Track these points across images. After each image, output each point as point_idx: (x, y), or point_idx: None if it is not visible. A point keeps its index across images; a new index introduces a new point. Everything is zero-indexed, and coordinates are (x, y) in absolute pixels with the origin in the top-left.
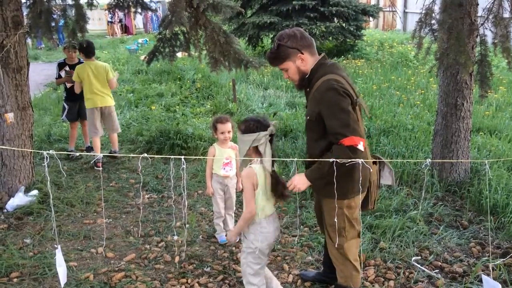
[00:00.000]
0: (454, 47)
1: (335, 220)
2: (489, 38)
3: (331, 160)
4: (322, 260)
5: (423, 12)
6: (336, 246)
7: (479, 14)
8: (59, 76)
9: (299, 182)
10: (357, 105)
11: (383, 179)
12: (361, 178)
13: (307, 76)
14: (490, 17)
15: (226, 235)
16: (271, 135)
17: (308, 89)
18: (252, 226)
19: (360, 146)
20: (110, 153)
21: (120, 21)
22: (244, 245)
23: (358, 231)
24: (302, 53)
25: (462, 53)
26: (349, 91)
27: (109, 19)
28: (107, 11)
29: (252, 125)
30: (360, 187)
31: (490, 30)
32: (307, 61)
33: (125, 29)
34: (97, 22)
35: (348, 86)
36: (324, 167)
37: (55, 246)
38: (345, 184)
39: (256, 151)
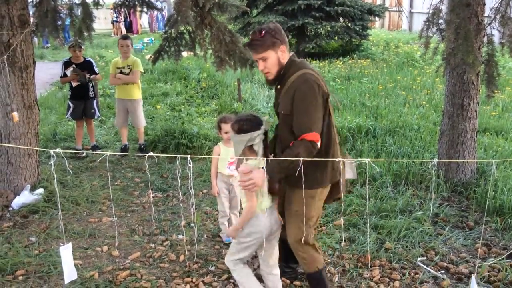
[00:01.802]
0: (461, 47)
1: (303, 209)
2: (496, 38)
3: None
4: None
5: (431, 11)
6: (303, 235)
7: (486, 14)
8: (64, 75)
9: (256, 177)
10: (328, 99)
11: (346, 174)
12: (333, 170)
13: (282, 72)
14: (498, 16)
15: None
16: (264, 133)
17: (279, 86)
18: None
19: (317, 144)
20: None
21: (124, 20)
22: (238, 235)
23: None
24: (284, 46)
25: (469, 53)
26: (322, 85)
27: (115, 19)
28: (112, 11)
29: (245, 126)
30: (330, 178)
31: (498, 29)
32: (285, 54)
33: (127, 29)
34: (103, 21)
35: (321, 81)
36: (285, 161)
37: (61, 244)
38: (311, 176)
39: (250, 149)
